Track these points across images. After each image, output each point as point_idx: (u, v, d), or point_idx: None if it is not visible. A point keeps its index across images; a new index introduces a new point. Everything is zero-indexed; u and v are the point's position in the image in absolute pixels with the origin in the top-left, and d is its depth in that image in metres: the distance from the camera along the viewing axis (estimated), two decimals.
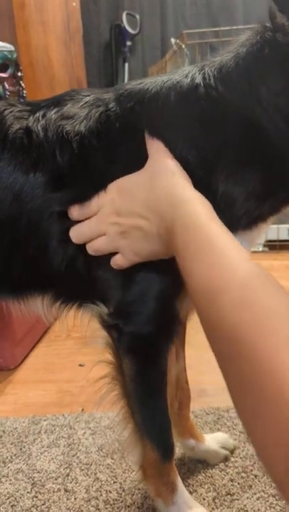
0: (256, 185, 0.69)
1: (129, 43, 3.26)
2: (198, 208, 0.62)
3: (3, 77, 1.62)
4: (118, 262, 0.70)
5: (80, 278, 0.75)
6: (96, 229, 0.70)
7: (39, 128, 0.72)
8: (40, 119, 0.73)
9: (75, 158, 0.71)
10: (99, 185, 0.70)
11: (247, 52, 0.67)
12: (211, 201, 0.66)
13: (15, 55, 1.69)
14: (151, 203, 0.65)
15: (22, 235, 0.74)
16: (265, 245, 2.41)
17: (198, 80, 0.69)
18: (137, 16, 3.24)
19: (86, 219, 0.71)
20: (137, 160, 0.68)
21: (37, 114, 0.74)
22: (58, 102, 0.75)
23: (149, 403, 0.77)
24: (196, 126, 0.68)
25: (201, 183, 0.66)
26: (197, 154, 0.68)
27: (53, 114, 0.73)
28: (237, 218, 0.70)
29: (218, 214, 0.63)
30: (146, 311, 0.71)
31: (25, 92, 1.74)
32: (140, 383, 0.76)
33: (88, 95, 0.75)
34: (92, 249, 0.71)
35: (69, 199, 0.72)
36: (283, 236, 2.38)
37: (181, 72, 0.72)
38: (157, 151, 0.67)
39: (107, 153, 0.71)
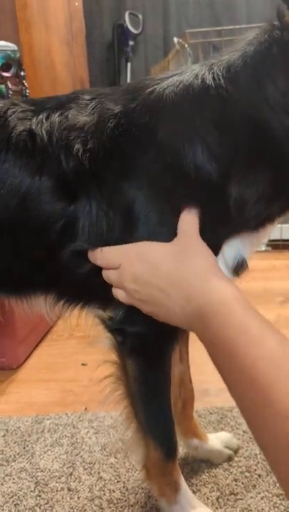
0: (266, 187, 0.68)
1: (131, 43, 3.26)
2: (237, 305, 0.59)
3: (7, 77, 1.62)
4: (121, 299, 0.70)
5: (84, 281, 0.75)
6: (116, 282, 0.69)
7: (43, 131, 0.71)
8: (44, 121, 0.72)
9: (83, 170, 0.69)
10: (108, 199, 0.69)
11: (255, 51, 0.67)
12: (226, 207, 0.65)
13: (18, 55, 1.69)
14: (177, 281, 0.63)
15: (27, 237, 0.74)
16: (268, 245, 2.40)
17: (209, 80, 0.68)
18: (140, 16, 3.24)
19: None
20: (151, 175, 0.67)
21: (40, 116, 0.73)
22: (61, 104, 0.74)
23: (152, 403, 0.77)
24: (211, 131, 0.67)
25: (217, 189, 0.66)
26: (214, 160, 0.67)
27: (56, 117, 0.72)
28: (247, 220, 0.70)
29: (229, 217, 0.63)
30: None
31: (28, 91, 1.74)
32: (144, 383, 0.76)
33: (92, 99, 0.73)
34: (116, 295, 0.71)
35: (76, 211, 0.71)
36: (286, 236, 2.38)
37: (190, 72, 0.71)
38: (189, 226, 0.66)
39: (119, 167, 0.69)
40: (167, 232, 0.67)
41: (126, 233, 0.69)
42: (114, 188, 0.69)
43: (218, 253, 0.71)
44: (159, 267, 0.65)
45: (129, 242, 0.69)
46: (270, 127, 0.65)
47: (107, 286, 0.71)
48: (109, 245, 0.70)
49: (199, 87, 0.68)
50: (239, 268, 0.74)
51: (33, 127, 0.72)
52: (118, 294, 0.70)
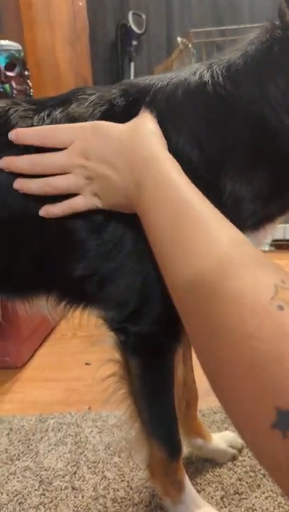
0: (263, 186, 0.68)
1: (135, 43, 3.26)
2: (173, 169, 0.60)
3: (11, 76, 1.62)
4: (79, 204, 0.68)
5: (83, 280, 0.74)
6: (62, 165, 0.66)
7: None
8: (46, 118, 0.72)
9: None
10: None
11: (256, 50, 0.67)
12: (218, 200, 0.65)
13: (22, 54, 1.70)
14: (124, 152, 0.63)
15: (26, 235, 0.73)
16: (271, 245, 2.40)
17: (207, 77, 0.68)
18: (143, 16, 3.24)
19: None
20: None
21: (42, 114, 0.73)
22: (63, 101, 0.74)
23: (155, 402, 0.77)
24: (203, 124, 0.67)
25: (207, 183, 0.65)
26: (202, 153, 0.67)
27: (58, 113, 0.72)
28: (244, 218, 0.69)
29: (224, 214, 0.63)
30: (154, 312, 0.71)
31: (32, 90, 1.75)
32: (147, 382, 0.76)
33: (93, 94, 0.74)
34: (51, 186, 0.67)
35: None
36: None
37: (188, 69, 0.71)
38: (145, 115, 0.67)
39: None
40: None
41: (120, 223, 0.69)
42: None
43: None
44: (111, 140, 0.64)
45: (122, 231, 0.69)
46: (269, 126, 0.65)
47: (109, 284, 0.71)
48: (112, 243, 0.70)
49: (196, 82, 0.68)
50: None
51: (35, 125, 0.72)
52: (59, 180, 0.67)
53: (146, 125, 0.65)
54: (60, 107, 0.73)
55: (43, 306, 0.81)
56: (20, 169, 0.69)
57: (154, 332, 0.72)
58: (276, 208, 0.72)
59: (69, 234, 0.71)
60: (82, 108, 0.72)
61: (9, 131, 0.71)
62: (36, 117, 0.73)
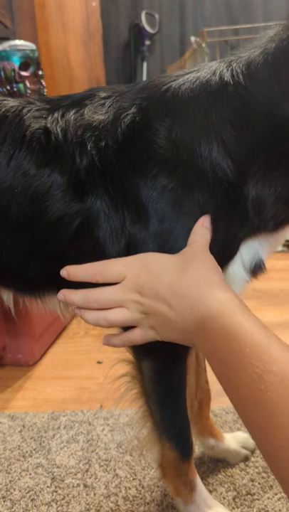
0: (285, 188, 0.67)
1: (148, 43, 3.27)
2: (235, 309, 0.58)
3: (25, 76, 1.63)
4: (136, 336, 0.67)
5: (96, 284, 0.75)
6: (116, 299, 0.66)
7: (58, 130, 0.71)
8: (60, 120, 0.72)
9: (98, 170, 0.69)
10: (123, 200, 0.68)
11: (276, 48, 0.65)
12: (243, 207, 0.64)
13: (36, 54, 1.71)
14: (179, 290, 0.61)
15: (40, 236, 0.74)
16: (284, 245, 2.38)
17: (227, 77, 0.66)
18: (156, 16, 3.25)
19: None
20: (166, 173, 0.66)
21: (56, 115, 0.72)
22: (77, 102, 0.74)
23: (167, 403, 0.77)
24: (228, 129, 0.66)
25: (234, 189, 0.65)
26: (230, 159, 0.65)
27: (72, 115, 0.72)
28: (265, 222, 0.69)
29: (247, 216, 0.62)
30: None
31: (45, 90, 1.76)
32: (159, 383, 0.76)
33: (108, 97, 0.73)
34: (107, 320, 0.67)
35: (91, 210, 0.70)
36: None
37: (207, 69, 0.70)
38: (199, 238, 0.65)
39: (133, 165, 0.68)
40: (182, 228, 0.67)
41: (139, 230, 0.69)
42: (129, 186, 0.68)
43: (236, 254, 0.71)
44: (162, 276, 0.63)
45: (142, 239, 0.68)
46: None
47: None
48: (121, 244, 0.70)
49: (217, 84, 0.67)
50: (257, 269, 0.73)
51: (48, 125, 0.72)
52: (115, 315, 0.66)
53: (201, 256, 0.63)
54: (74, 108, 0.73)
55: (55, 305, 0.82)
56: (76, 304, 0.69)
57: None
58: None
59: (86, 237, 0.71)
60: (98, 114, 0.71)
61: (23, 132, 0.72)
62: (50, 118, 0.72)
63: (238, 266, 0.71)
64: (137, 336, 0.67)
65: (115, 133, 0.69)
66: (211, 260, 0.64)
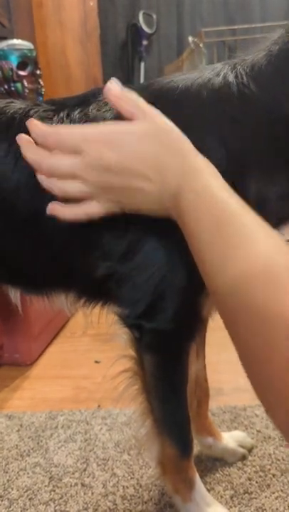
0: (287, 186, 0.68)
1: (145, 43, 3.27)
2: (210, 175, 0.58)
3: (23, 75, 1.63)
4: (93, 209, 0.64)
5: (102, 280, 0.75)
6: (75, 175, 0.62)
7: None
8: (65, 119, 0.72)
9: None
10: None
11: (280, 50, 0.67)
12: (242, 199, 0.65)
13: (34, 54, 1.71)
14: (159, 163, 0.59)
15: (48, 234, 0.74)
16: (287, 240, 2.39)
17: (231, 78, 0.68)
18: (154, 16, 3.25)
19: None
20: None
21: (61, 114, 0.73)
22: (82, 101, 0.74)
23: (169, 399, 0.77)
24: (229, 125, 0.67)
25: (233, 183, 0.66)
26: (229, 154, 0.66)
27: (76, 114, 0.72)
28: (267, 218, 0.69)
29: None
30: (169, 309, 0.71)
31: (43, 89, 1.76)
32: (161, 379, 0.76)
33: None
34: (60, 189, 0.63)
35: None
36: None
37: (211, 70, 0.71)
38: (145, 105, 0.63)
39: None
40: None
41: (139, 224, 0.68)
42: None
43: None
44: (135, 148, 0.60)
45: (143, 232, 0.68)
46: None
47: (127, 282, 0.71)
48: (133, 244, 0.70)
49: (220, 82, 0.68)
50: None
51: (54, 125, 0.72)
52: (70, 187, 0.63)
53: (171, 127, 0.62)
54: (79, 107, 0.73)
55: (62, 302, 0.82)
56: (30, 162, 0.66)
57: (169, 329, 0.72)
58: None
59: (91, 235, 0.71)
60: (102, 112, 0.71)
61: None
62: (56, 118, 0.73)
63: None
64: (95, 208, 0.64)
65: None
66: (174, 125, 0.62)
